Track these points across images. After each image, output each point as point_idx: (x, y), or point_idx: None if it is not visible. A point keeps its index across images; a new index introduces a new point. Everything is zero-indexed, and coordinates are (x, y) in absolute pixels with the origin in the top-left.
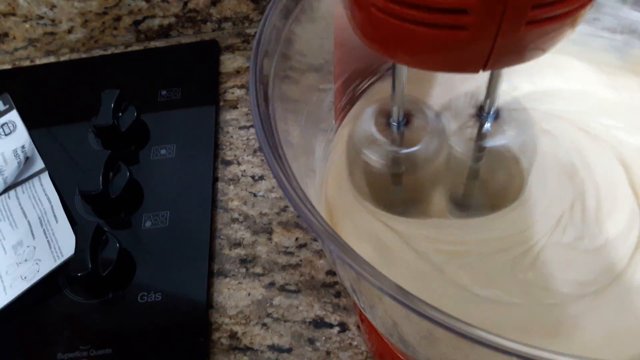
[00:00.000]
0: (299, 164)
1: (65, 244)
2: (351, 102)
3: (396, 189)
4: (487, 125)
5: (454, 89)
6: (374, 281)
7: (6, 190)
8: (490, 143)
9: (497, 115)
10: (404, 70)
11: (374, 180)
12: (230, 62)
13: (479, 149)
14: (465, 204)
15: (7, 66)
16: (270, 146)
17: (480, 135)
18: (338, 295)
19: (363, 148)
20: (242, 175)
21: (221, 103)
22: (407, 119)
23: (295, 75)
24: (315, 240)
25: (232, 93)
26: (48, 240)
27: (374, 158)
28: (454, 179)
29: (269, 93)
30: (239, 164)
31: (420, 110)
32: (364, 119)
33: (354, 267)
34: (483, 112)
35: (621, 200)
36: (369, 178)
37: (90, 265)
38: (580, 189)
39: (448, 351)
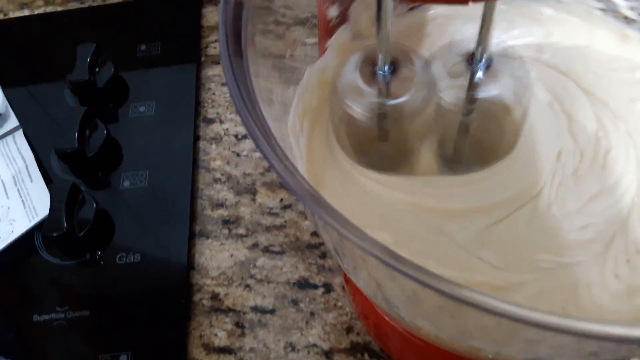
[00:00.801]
0: (282, 123)
1: (40, 203)
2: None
3: (382, 144)
4: (479, 75)
5: (443, 36)
6: (360, 242)
7: None
8: (482, 93)
9: (489, 64)
10: (388, 5)
11: (359, 134)
12: (212, 15)
13: (470, 100)
14: (455, 159)
15: None
16: (245, 102)
17: (472, 86)
18: (323, 256)
19: (347, 99)
20: (224, 133)
21: (203, 58)
22: (394, 67)
23: (279, 29)
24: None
25: (215, 48)
26: (22, 200)
27: (359, 110)
28: (444, 132)
29: (243, 48)
30: (221, 122)
31: (408, 59)
32: (348, 68)
33: (338, 228)
34: (474, 60)
35: (619, 151)
36: (353, 132)
37: (65, 225)
38: (576, 141)
39: (433, 312)
